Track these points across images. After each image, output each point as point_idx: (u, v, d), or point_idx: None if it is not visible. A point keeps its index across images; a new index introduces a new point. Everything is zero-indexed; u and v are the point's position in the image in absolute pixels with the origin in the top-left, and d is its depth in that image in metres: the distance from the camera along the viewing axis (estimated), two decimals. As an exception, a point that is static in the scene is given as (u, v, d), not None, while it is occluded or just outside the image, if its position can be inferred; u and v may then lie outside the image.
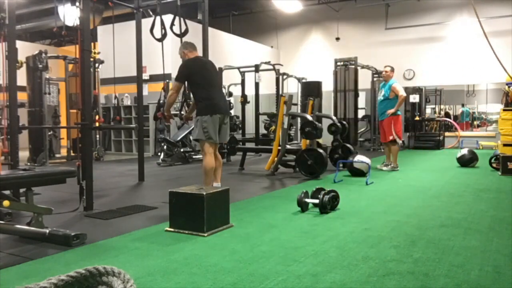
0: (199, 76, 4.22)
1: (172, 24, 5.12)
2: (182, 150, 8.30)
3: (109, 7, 8.41)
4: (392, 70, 6.77)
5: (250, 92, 10.60)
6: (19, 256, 2.59)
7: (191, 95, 4.54)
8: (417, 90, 12.41)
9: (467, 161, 7.12)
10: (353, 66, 9.95)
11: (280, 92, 10.87)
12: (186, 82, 4.37)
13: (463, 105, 14.58)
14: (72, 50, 8.19)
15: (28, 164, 7.48)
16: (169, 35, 5.26)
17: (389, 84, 6.67)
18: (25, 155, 7.94)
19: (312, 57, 14.40)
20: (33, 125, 7.92)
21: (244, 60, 11.80)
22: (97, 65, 9.09)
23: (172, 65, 10.07)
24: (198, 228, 2.99)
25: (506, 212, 3.68)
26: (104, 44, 10.65)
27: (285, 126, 6.27)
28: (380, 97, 6.85)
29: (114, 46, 7.46)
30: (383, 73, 6.84)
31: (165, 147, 8.29)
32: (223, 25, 13.69)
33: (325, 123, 7.09)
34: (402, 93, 6.56)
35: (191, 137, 4.46)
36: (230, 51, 12.67)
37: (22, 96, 6.76)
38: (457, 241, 2.80)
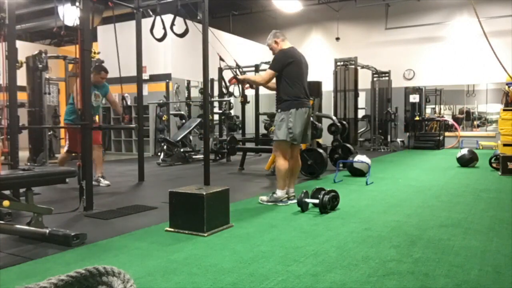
0: (293, 68, 3.96)
1: (172, 24, 5.13)
2: (182, 150, 8.31)
3: (109, 7, 8.39)
4: None
5: (250, 92, 10.59)
6: (19, 256, 2.59)
7: (279, 90, 4.11)
8: (417, 90, 12.44)
9: (467, 161, 7.12)
10: (353, 66, 9.96)
11: (280, 92, 10.84)
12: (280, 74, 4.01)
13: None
14: (72, 50, 8.18)
15: (28, 164, 7.48)
16: (169, 35, 5.26)
17: None
18: (25, 155, 7.94)
19: (312, 57, 14.33)
20: (33, 125, 7.91)
21: (244, 60, 11.79)
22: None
23: (172, 64, 10.11)
24: (198, 228, 2.99)
25: (506, 212, 3.68)
26: (104, 44, 10.65)
27: (285, 126, 6.26)
28: None
29: (117, 46, 7.44)
30: None
31: (165, 147, 8.30)
32: (223, 25, 13.69)
33: (325, 123, 7.09)
34: None
35: (274, 138, 4.02)
36: (230, 51, 12.66)
37: (22, 96, 6.75)
38: (457, 241, 2.80)
